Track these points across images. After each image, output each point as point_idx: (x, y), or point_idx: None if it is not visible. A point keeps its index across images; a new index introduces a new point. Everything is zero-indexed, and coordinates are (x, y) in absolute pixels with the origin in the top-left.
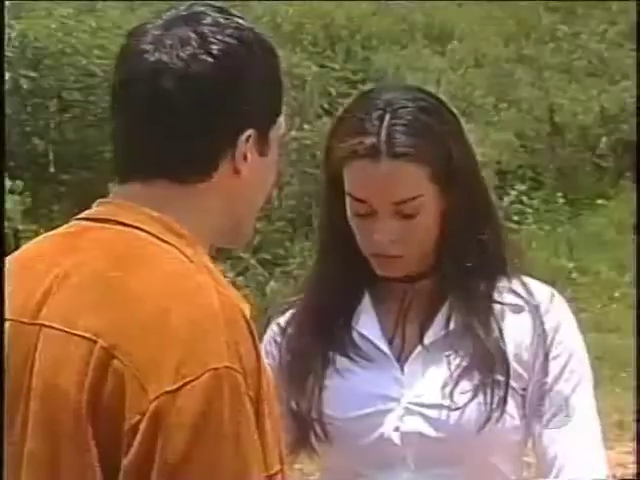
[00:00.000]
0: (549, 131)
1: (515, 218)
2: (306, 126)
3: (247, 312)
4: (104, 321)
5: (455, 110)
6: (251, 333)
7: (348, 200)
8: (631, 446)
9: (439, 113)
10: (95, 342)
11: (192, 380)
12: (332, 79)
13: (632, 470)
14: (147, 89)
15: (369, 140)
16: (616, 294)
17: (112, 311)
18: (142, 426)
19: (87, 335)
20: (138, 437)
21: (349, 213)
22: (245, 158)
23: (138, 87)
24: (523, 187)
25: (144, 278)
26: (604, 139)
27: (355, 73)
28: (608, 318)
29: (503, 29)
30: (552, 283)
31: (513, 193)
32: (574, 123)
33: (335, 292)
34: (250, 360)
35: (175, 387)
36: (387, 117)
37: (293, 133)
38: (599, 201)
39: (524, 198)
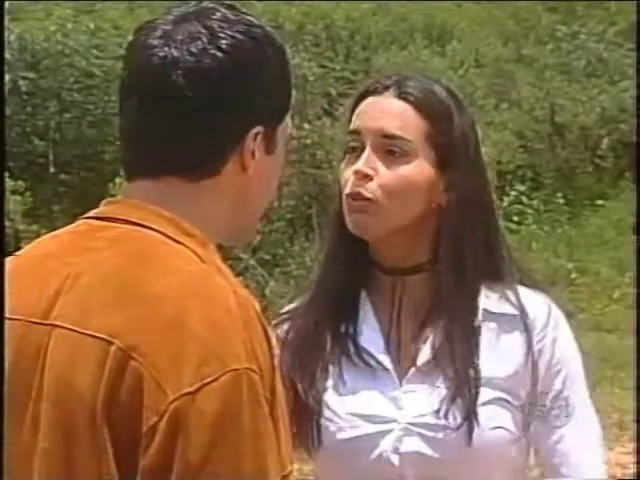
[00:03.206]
0: (549, 131)
1: (515, 218)
2: (306, 126)
3: (259, 309)
4: (120, 321)
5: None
6: (265, 333)
7: (344, 148)
8: (631, 446)
9: (455, 95)
10: (111, 343)
11: (212, 381)
12: (332, 79)
13: (632, 470)
14: (157, 84)
15: (384, 81)
16: (616, 294)
17: (128, 311)
18: (161, 427)
19: (102, 336)
20: (157, 438)
21: (342, 166)
22: (253, 155)
23: (147, 82)
24: (523, 187)
25: (161, 278)
26: (605, 140)
27: (355, 73)
28: (608, 318)
29: (502, 29)
30: (552, 283)
31: (513, 193)
32: (574, 123)
33: (335, 295)
34: (266, 361)
35: (194, 388)
36: (405, 75)
37: (292, 132)
38: (599, 201)
39: (524, 198)
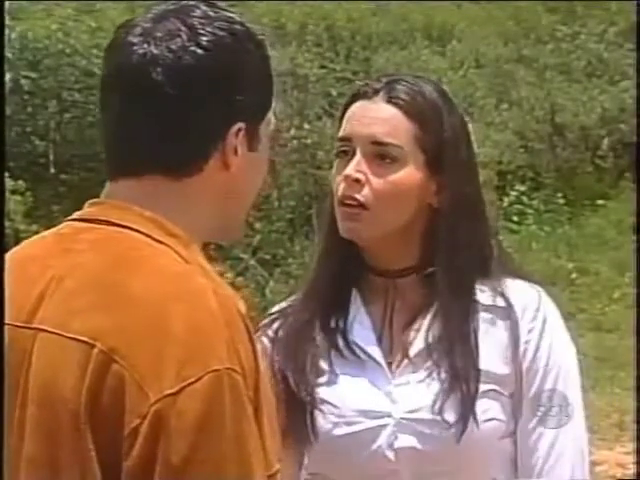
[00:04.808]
0: (549, 132)
1: (515, 219)
2: (307, 126)
3: (243, 309)
4: (102, 324)
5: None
6: (248, 332)
7: (335, 152)
8: (631, 446)
9: (446, 96)
10: (93, 346)
11: (193, 382)
12: (333, 80)
13: (632, 470)
14: (136, 81)
15: (374, 85)
16: (616, 294)
17: (110, 314)
18: (143, 429)
19: (84, 339)
20: (139, 440)
21: (334, 172)
22: (235, 152)
23: (127, 79)
24: (523, 187)
25: (143, 280)
26: (606, 140)
27: (355, 74)
28: (608, 318)
29: (503, 29)
30: (552, 284)
31: (513, 194)
32: (575, 123)
33: (327, 293)
34: (249, 360)
35: (176, 390)
36: (395, 77)
37: (293, 132)
38: (599, 201)
39: (524, 198)
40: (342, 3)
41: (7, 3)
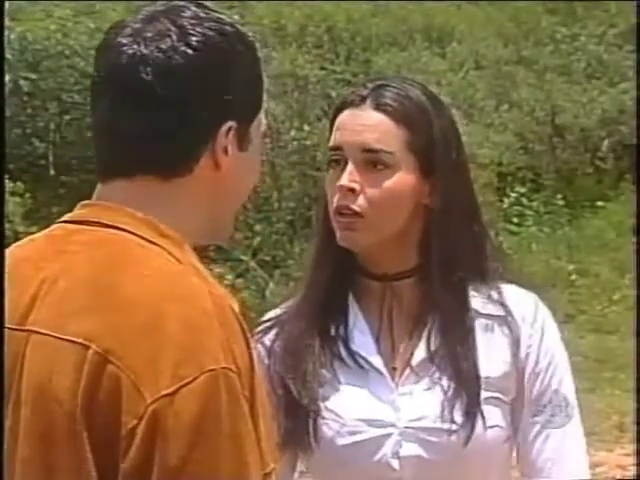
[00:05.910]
0: (549, 133)
1: (515, 220)
2: (306, 127)
3: (237, 308)
4: (97, 325)
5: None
6: (243, 332)
7: (327, 162)
8: (631, 448)
9: (434, 98)
10: (88, 347)
11: (189, 382)
12: (333, 81)
13: (632, 472)
14: (126, 81)
15: (360, 92)
16: (616, 296)
17: (105, 315)
18: (140, 430)
19: (79, 340)
20: (136, 441)
21: (327, 181)
22: (226, 152)
23: (117, 80)
24: (523, 189)
25: (136, 281)
26: (606, 141)
27: (355, 75)
28: (608, 320)
29: (502, 31)
30: (552, 285)
31: (513, 195)
32: (575, 125)
33: (323, 299)
34: (244, 360)
35: (172, 390)
36: (381, 82)
37: (293, 134)
38: (599, 203)
39: (524, 200)
40: (342, 4)
41: (6, 4)
